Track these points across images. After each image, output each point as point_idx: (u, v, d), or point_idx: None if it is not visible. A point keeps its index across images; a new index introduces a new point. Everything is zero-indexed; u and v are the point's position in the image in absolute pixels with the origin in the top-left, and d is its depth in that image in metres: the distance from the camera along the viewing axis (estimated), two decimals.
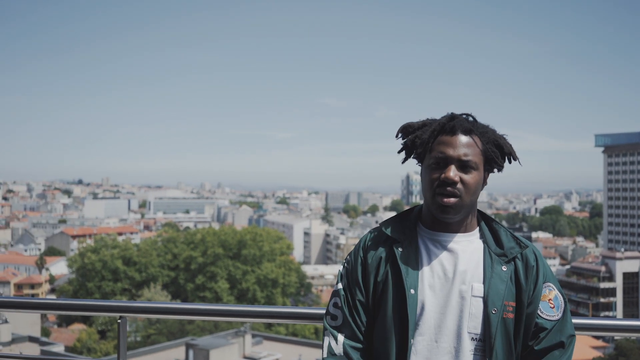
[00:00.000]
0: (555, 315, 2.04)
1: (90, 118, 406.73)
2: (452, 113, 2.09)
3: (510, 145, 2.09)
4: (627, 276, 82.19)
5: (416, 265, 2.03)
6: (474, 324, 1.98)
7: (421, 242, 2.09)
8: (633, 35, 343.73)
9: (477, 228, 2.12)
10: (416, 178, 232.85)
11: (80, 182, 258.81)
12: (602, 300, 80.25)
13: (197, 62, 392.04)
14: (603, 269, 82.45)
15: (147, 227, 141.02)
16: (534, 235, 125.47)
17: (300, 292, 63.82)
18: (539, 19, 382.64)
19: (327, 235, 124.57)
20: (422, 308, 2.00)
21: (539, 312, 2.03)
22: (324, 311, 2.58)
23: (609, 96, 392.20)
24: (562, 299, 2.08)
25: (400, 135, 2.14)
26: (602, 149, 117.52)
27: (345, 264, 2.17)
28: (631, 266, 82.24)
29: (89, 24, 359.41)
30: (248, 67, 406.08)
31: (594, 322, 2.56)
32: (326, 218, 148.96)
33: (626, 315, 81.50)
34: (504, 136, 2.10)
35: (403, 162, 2.15)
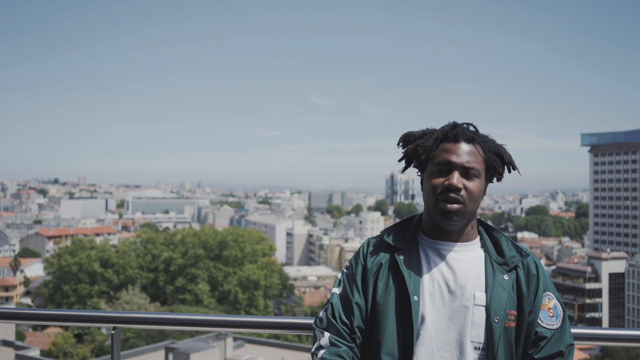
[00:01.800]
0: (555, 324, 2.09)
1: (66, 116, 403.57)
2: (453, 122, 2.15)
3: (510, 155, 2.15)
4: (613, 277, 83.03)
5: (418, 273, 2.08)
6: (476, 332, 2.02)
7: (422, 250, 2.14)
8: (620, 36, 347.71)
9: (478, 237, 2.18)
10: (400, 178, 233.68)
11: (56, 181, 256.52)
12: (587, 301, 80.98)
13: (180, 60, 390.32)
14: (589, 269, 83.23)
15: (125, 228, 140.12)
16: (519, 235, 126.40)
17: (282, 294, 63.77)
18: (528, 17, 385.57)
19: (310, 235, 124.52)
20: (423, 317, 2.03)
21: (538, 321, 2.08)
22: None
23: (596, 95, 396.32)
24: (561, 308, 2.13)
25: (401, 144, 2.20)
26: (588, 148, 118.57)
27: (345, 270, 2.21)
28: (617, 267, 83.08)
29: (71, 23, 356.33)
30: (233, 64, 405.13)
31: (594, 331, 2.61)
32: (309, 218, 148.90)
33: (612, 317, 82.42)
34: (504, 146, 2.16)
35: (403, 171, 2.22)
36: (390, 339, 2.03)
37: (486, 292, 2.04)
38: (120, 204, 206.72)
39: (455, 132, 2.09)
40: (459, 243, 2.12)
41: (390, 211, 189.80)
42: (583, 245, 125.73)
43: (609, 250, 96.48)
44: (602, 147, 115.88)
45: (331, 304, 2.15)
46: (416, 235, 2.17)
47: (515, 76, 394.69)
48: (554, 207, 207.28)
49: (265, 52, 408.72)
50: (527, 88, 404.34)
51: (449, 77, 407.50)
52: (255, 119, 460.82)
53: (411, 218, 2.25)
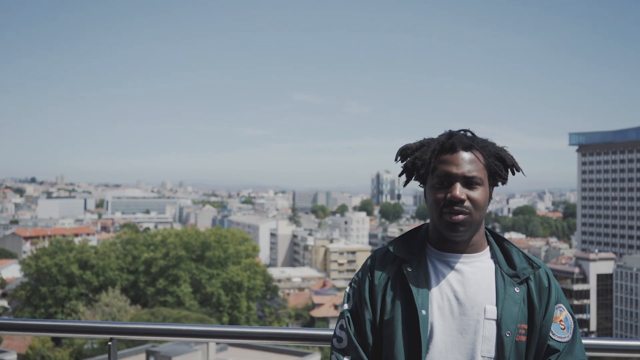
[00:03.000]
0: (566, 336, 2.07)
1: (44, 113, 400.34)
2: (450, 130, 2.13)
3: (512, 157, 2.13)
4: (601, 278, 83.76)
5: (426, 286, 2.04)
6: (487, 347, 1.98)
7: (430, 262, 2.10)
8: (609, 35, 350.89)
9: (487, 247, 2.14)
10: (386, 177, 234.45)
11: (33, 180, 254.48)
12: (575, 302, 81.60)
13: (162, 59, 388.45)
14: (577, 270, 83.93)
15: (104, 228, 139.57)
16: (506, 236, 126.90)
17: (266, 296, 63.71)
18: (517, 15, 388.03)
19: (295, 236, 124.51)
20: (432, 331, 2.00)
21: (550, 334, 2.05)
22: (326, 332, 2.59)
23: (585, 94, 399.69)
24: (572, 319, 2.11)
25: (399, 158, 2.16)
26: (576, 147, 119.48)
27: (353, 284, 2.18)
28: (605, 267, 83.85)
29: (49, 22, 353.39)
30: (216, 62, 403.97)
31: (605, 342, 2.61)
32: (293, 218, 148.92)
33: (600, 318, 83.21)
34: (505, 148, 2.14)
35: (405, 185, 2.18)
36: (399, 354, 2.00)
37: (497, 305, 2.01)
38: (100, 204, 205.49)
39: (452, 142, 2.06)
40: (467, 254, 2.09)
41: (376, 211, 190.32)
42: (571, 246, 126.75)
43: (596, 251, 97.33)
44: (590, 146, 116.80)
45: (348, 320, 2.12)
46: (424, 246, 2.13)
47: (504, 74, 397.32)
48: (542, 207, 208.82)
49: (249, 49, 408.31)
50: (515, 86, 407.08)
51: (437, 74, 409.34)
52: (238, 117, 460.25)
53: (418, 229, 2.22)
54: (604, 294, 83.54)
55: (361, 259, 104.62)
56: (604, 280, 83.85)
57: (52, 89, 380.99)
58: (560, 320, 2.08)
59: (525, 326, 2.02)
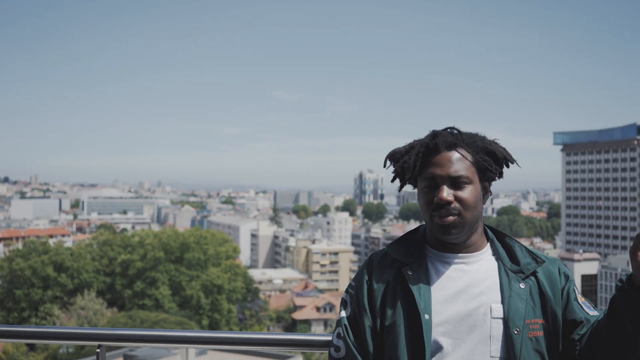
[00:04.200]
0: (595, 311, 2.05)
1: (16, 110, 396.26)
2: (433, 130, 2.10)
3: (504, 149, 2.09)
4: (585, 278, 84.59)
5: (428, 289, 2.01)
6: (496, 347, 1.96)
7: (430, 264, 2.07)
8: (593, 34, 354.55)
9: (488, 245, 2.12)
10: (369, 177, 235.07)
11: (6, 180, 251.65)
12: None
13: (138, 56, 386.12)
14: None
15: (80, 229, 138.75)
16: None
17: (247, 298, 63.64)
18: (499, 13, 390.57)
19: (276, 237, 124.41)
20: (437, 334, 1.97)
21: (579, 311, 2.02)
22: (307, 336, 2.58)
23: (569, 93, 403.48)
24: (589, 303, 2.10)
25: (389, 163, 2.14)
26: (560, 147, 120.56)
27: (349, 289, 2.14)
28: (590, 268, 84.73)
29: (22, 22, 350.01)
30: (194, 59, 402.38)
31: None
32: (275, 219, 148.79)
33: None
34: (496, 141, 2.10)
35: (400, 190, 2.16)
36: None
37: (502, 303, 1.99)
38: (75, 204, 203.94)
39: (435, 142, 2.03)
40: (469, 253, 2.07)
41: (359, 211, 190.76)
42: (555, 246, 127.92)
43: (581, 251, 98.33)
44: (574, 146, 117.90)
45: (345, 328, 2.08)
46: (423, 248, 2.11)
47: (488, 73, 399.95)
48: (526, 207, 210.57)
49: (229, 47, 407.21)
50: (500, 85, 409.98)
51: (422, 72, 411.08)
52: (218, 115, 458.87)
53: (415, 230, 2.18)
54: (589, 294, 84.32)
55: (344, 260, 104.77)
56: (589, 281, 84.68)
57: (26, 88, 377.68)
58: (583, 300, 2.07)
59: (541, 320, 1.99)
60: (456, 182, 1.99)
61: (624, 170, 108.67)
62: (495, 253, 2.10)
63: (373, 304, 2.06)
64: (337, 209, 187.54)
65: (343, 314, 2.12)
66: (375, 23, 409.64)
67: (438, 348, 1.96)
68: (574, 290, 2.08)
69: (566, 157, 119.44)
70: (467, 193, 2.00)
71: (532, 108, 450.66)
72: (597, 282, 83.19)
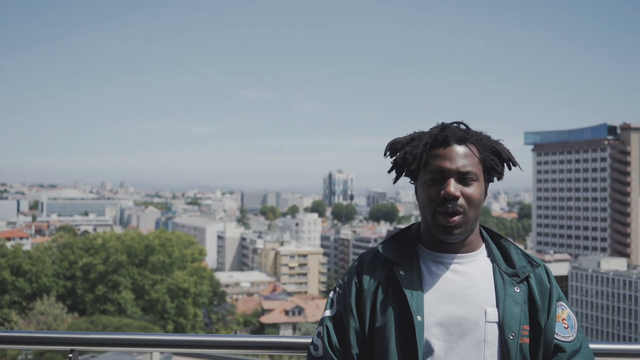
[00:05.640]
0: (570, 335, 2.02)
1: None
2: (442, 123, 2.05)
3: (508, 151, 2.06)
4: (556, 280, 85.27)
5: (420, 290, 1.96)
6: (490, 352, 1.92)
7: (423, 264, 2.03)
8: (563, 34, 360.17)
9: (483, 245, 2.08)
10: (339, 177, 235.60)
11: None
12: None
13: (100, 53, 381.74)
14: None
15: (39, 232, 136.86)
16: None
17: (213, 302, 63.41)
18: (469, 13, 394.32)
19: (243, 239, 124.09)
20: (429, 339, 1.93)
21: (554, 334, 2.00)
22: (276, 339, 2.60)
23: (540, 93, 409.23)
24: (574, 317, 2.07)
25: (388, 153, 2.08)
26: (531, 147, 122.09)
27: (337, 289, 2.10)
28: (560, 269, 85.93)
29: None
30: (160, 56, 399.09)
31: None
32: (242, 220, 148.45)
33: None
34: (500, 141, 2.07)
35: (395, 182, 2.10)
36: None
37: (497, 307, 1.95)
38: (34, 205, 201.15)
39: (445, 135, 1.98)
40: (463, 254, 2.03)
41: (328, 212, 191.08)
42: (526, 247, 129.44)
43: (552, 252, 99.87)
44: (545, 146, 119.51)
45: (326, 329, 2.04)
46: (415, 247, 2.06)
47: (460, 72, 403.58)
48: (496, 208, 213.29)
49: (195, 44, 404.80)
50: (470, 84, 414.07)
51: (390, 70, 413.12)
52: (183, 114, 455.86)
53: (408, 228, 2.14)
54: None
55: (313, 263, 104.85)
56: (559, 282, 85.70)
57: None
58: (563, 319, 2.03)
59: (528, 327, 1.97)
60: (464, 178, 1.95)
61: (594, 170, 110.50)
62: (490, 254, 2.07)
63: (361, 305, 2.02)
64: (306, 210, 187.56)
65: (328, 313, 2.07)
66: (344, 21, 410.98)
67: (430, 351, 1.93)
68: (560, 305, 2.06)
69: (537, 157, 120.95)
70: (473, 190, 1.96)
71: (503, 108, 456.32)
72: (567, 283, 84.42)
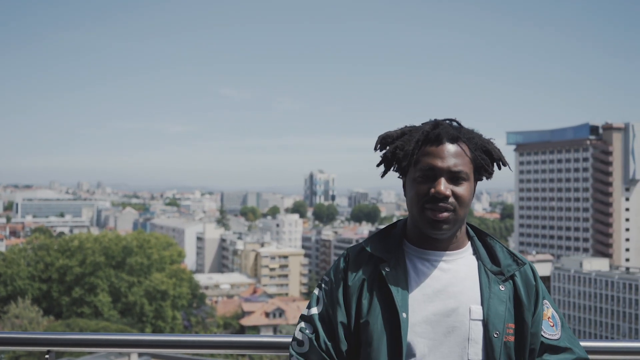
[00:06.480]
0: (556, 334, 2.06)
1: None
2: (435, 120, 2.05)
3: (499, 150, 2.07)
4: None
5: (406, 287, 1.98)
6: (475, 350, 1.95)
7: (409, 261, 2.04)
8: (545, 34, 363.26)
9: (469, 243, 2.10)
10: (320, 177, 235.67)
11: None
12: None
13: (77, 52, 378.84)
14: None
15: (13, 233, 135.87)
16: None
17: (192, 304, 63.19)
18: (449, 11, 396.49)
19: (223, 240, 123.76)
20: (414, 335, 1.94)
21: (541, 332, 2.04)
22: (255, 338, 2.61)
23: (521, 93, 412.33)
24: (558, 316, 2.10)
25: (378, 146, 2.07)
26: (513, 147, 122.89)
27: (323, 285, 2.10)
28: (543, 269, 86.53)
29: None
30: (139, 55, 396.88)
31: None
32: (221, 221, 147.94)
33: None
34: (491, 140, 2.08)
35: (382, 176, 2.11)
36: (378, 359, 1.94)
37: (482, 305, 1.97)
38: (8, 206, 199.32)
39: (438, 132, 1.98)
40: (449, 251, 2.04)
41: (309, 213, 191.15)
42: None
43: (534, 252, 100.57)
44: (527, 145, 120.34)
45: (313, 326, 2.04)
46: (401, 244, 2.07)
47: (441, 71, 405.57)
48: (479, 208, 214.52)
49: (175, 43, 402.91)
50: (452, 83, 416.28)
51: (371, 69, 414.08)
52: (161, 113, 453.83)
53: (394, 225, 2.14)
54: None
55: (294, 264, 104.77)
56: (542, 282, 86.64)
57: None
58: (549, 317, 2.07)
59: (513, 325, 1.99)
60: (455, 177, 1.96)
61: (576, 170, 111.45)
62: (476, 252, 2.08)
63: (348, 302, 2.02)
64: (287, 210, 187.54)
65: (315, 310, 2.07)
66: (324, 20, 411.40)
67: (414, 348, 1.94)
68: (545, 303, 2.09)
69: (519, 157, 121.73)
70: (463, 189, 1.97)
71: (485, 108, 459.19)
72: (550, 283, 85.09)
